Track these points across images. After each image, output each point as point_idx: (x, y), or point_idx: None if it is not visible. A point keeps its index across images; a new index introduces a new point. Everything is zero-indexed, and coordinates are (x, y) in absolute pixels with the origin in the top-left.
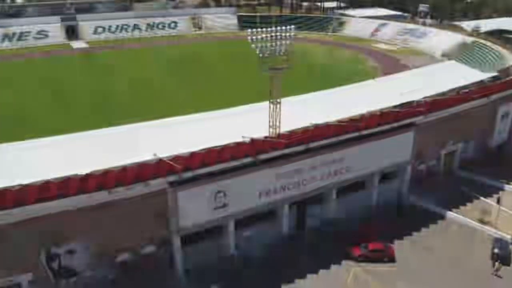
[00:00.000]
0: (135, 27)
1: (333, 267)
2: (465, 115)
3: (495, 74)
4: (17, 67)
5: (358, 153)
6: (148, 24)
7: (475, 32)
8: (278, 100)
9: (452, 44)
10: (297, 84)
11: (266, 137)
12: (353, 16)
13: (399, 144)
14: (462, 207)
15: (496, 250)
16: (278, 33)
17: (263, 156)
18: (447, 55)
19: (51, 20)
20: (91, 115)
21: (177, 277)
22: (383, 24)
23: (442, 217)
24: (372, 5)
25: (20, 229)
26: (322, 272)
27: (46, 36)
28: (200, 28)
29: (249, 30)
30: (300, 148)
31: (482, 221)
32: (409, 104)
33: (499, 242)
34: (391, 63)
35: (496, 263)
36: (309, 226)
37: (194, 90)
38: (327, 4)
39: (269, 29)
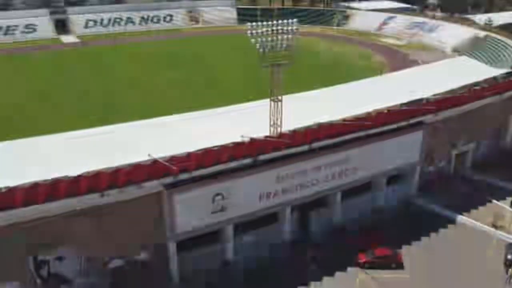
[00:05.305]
0: (128, 20)
1: (338, 274)
2: (477, 113)
3: (508, 70)
4: (1, 63)
5: (364, 153)
6: (142, 18)
7: (488, 26)
8: (279, 98)
9: (463, 39)
10: (300, 80)
11: (266, 136)
12: (358, 9)
13: (407, 144)
14: (473, 211)
15: (509, 256)
16: (279, 27)
17: (264, 157)
18: (458, 50)
19: (40, 13)
20: (83, 114)
21: (173, 284)
22: (391, 17)
23: (453, 221)
24: None
25: (6, 234)
26: (326, 279)
27: (34, 30)
28: (197, 21)
29: (249, 23)
30: (303, 148)
31: (494, 226)
32: (418, 102)
33: None
34: (399, 59)
35: (510, 270)
36: (312, 230)
37: (191, 87)
38: None
39: (270, 22)
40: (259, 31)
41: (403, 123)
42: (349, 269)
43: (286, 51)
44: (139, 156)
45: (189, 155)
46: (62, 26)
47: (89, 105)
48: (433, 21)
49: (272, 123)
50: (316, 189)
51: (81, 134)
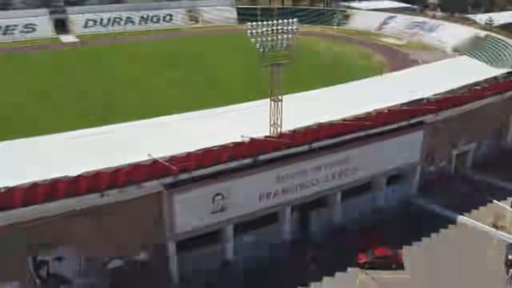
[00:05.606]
0: (128, 20)
1: (338, 274)
2: (477, 113)
3: (509, 70)
4: (1, 63)
5: (364, 153)
6: (142, 17)
7: (488, 26)
8: (280, 97)
9: (464, 38)
10: (300, 80)
11: (266, 136)
12: (359, 9)
13: (408, 144)
14: (474, 211)
15: (510, 257)
16: (279, 27)
17: (264, 157)
18: (458, 50)
19: (39, 12)
20: (83, 114)
21: (173, 284)
22: (391, 17)
23: (453, 221)
24: None
25: (6, 234)
26: (326, 279)
27: (34, 29)
28: (196, 21)
29: (249, 23)
30: (303, 148)
31: (495, 226)
32: (418, 101)
33: None
34: (399, 58)
35: (510, 270)
36: (312, 230)
37: (191, 87)
38: None
39: (270, 22)
40: (259, 30)
41: (404, 123)
42: (349, 269)
43: (286, 51)
44: (139, 156)
45: (189, 155)
46: (61, 26)
47: (89, 105)
48: (434, 21)
49: (272, 123)
50: (316, 189)
51: (81, 134)
